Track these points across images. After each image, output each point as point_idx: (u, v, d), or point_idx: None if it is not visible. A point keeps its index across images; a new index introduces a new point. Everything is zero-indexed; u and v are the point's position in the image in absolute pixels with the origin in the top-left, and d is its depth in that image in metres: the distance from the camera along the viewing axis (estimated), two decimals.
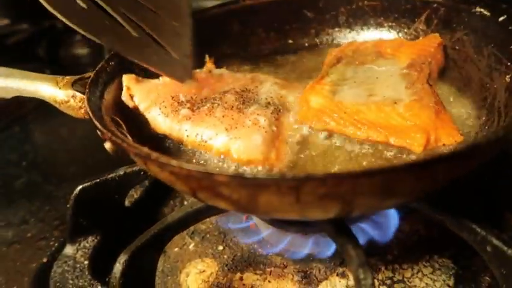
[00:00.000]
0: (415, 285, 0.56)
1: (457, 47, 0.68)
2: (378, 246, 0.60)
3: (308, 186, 0.33)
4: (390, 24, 0.78)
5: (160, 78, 0.70)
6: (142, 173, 0.66)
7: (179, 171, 0.36)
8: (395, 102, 0.55)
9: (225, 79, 0.69)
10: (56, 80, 0.63)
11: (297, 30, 0.85)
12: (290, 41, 0.85)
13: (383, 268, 0.59)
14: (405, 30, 0.76)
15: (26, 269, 0.64)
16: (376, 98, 0.57)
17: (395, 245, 0.61)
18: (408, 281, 0.57)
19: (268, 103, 0.61)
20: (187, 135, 0.58)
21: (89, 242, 0.65)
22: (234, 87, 0.65)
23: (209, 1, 0.89)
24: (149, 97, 0.62)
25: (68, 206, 0.63)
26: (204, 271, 0.63)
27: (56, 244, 0.68)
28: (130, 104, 0.61)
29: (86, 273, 0.61)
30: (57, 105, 0.62)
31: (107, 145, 0.47)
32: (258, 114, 0.58)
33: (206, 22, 0.81)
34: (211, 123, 0.57)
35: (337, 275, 0.59)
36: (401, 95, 0.56)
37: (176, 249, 0.67)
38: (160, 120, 0.59)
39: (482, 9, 0.64)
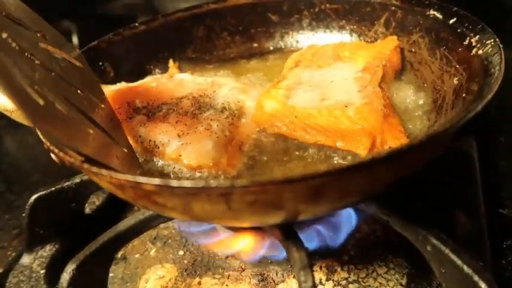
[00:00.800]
0: (369, 285, 0.57)
1: (413, 49, 0.69)
2: (335, 248, 0.61)
3: (235, 194, 0.33)
4: (351, 27, 0.79)
5: (117, 84, 0.70)
6: None
7: (111, 180, 0.36)
8: (346, 106, 0.55)
9: (185, 84, 0.69)
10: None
11: (262, 34, 0.86)
12: (255, 45, 0.86)
13: (338, 269, 0.59)
14: (366, 33, 0.77)
15: None
16: (328, 102, 0.58)
17: (351, 246, 0.62)
18: (362, 281, 0.58)
19: (224, 108, 0.62)
20: (141, 142, 0.58)
21: (47, 251, 0.64)
22: (192, 92, 0.65)
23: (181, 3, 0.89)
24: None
25: (23, 215, 0.63)
26: (163, 277, 0.63)
27: (14, 254, 0.67)
28: None
29: (42, 282, 0.60)
30: (8, 114, 0.61)
31: (53, 156, 0.47)
32: (211, 120, 0.58)
33: (170, 26, 0.82)
34: (164, 129, 0.57)
35: (293, 276, 0.59)
36: (353, 98, 0.57)
37: (137, 255, 0.67)
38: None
39: (435, 12, 0.65)
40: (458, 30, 0.60)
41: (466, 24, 0.58)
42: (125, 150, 0.52)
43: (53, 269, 0.63)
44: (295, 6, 0.82)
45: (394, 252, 0.60)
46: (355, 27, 0.78)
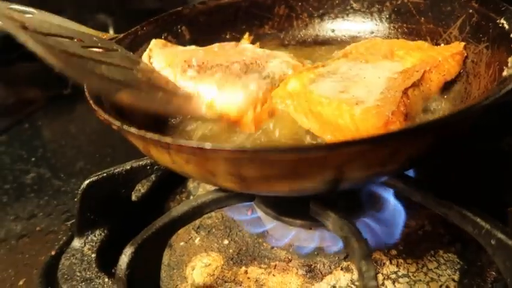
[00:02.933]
0: (420, 280, 0.56)
1: (475, 60, 0.62)
2: (383, 241, 0.61)
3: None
4: (428, 26, 0.73)
5: (187, 46, 0.76)
6: (148, 167, 0.67)
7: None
8: (357, 103, 0.53)
9: (243, 52, 0.71)
10: (96, 34, 0.68)
11: (341, 20, 0.84)
12: (331, 30, 0.84)
13: (387, 263, 0.59)
14: (441, 34, 0.71)
15: (34, 262, 0.65)
16: (344, 96, 0.55)
17: (400, 240, 0.61)
18: (413, 275, 0.57)
19: (268, 76, 0.63)
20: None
21: (97, 235, 0.65)
22: (246, 59, 0.67)
23: None
24: (166, 60, 0.67)
25: (75, 200, 0.64)
26: (209, 265, 0.63)
27: (64, 237, 0.69)
28: (147, 61, 0.68)
29: (94, 265, 0.61)
30: None
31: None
32: (251, 81, 0.61)
33: (253, 1, 0.85)
34: (208, 82, 0.62)
35: (341, 269, 0.59)
36: (370, 98, 0.54)
37: (182, 243, 0.68)
38: (169, 76, 0.64)
39: (504, 22, 0.58)
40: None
41: None
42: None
43: (103, 253, 0.64)
44: None
45: (444, 247, 0.59)
46: (431, 26, 0.72)
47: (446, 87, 0.61)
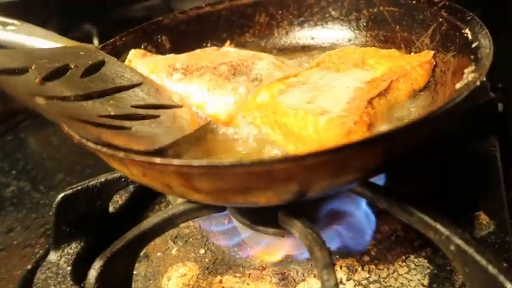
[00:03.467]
0: (390, 285, 0.57)
1: (444, 69, 0.63)
2: (355, 248, 0.61)
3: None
4: (403, 34, 0.73)
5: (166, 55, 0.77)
6: (123, 179, 0.67)
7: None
8: (322, 114, 0.53)
9: (228, 54, 0.72)
10: (75, 45, 0.70)
11: (320, 28, 0.85)
12: (312, 37, 0.86)
13: (359, 269, 0.59)
14: (415, 42, 0.71)
15: (11, 276, 0.66)
16: (311, 106, 0.55)
17: (372, 246, 0.62)
18: (383, 281, 0.58)
19: (256, 78, 0.65)
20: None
21: (73, 248, 0.66)
22: (232, 61, 0.69)
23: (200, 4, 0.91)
24: (148, 67, 0.69)
25: (50, 213, 0.65)
26: (185, 275, 0.64)
27: (41, 251, 0.69)
28: None
29: (68, 279, 0.62)
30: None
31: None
32: (240, 84, 0.62)
33: (234, 10, 0.87)
34: (198, 84, 0.64)
35: (314, 276, 0.59)
36: (335, 108, 0.54)
37: (159, 253, 0.68)
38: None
39: (468, 32, 0.58)
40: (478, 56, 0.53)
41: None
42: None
43: (79, 266, 0.64)
44: (356, 3, 0.80)
45: (415, 252, 0.60)
46: (406, 34, 0.72)
47: (415, 95, 0.62)
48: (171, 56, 0.73)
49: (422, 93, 0.62)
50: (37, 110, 0.43)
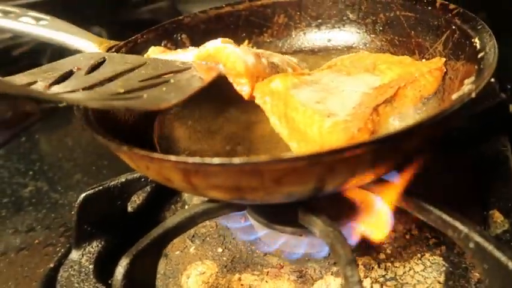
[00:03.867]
0: (407, 282, 0.58)
1: (452, 77, 0.63)
2: (371, 245, 0.63)
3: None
4: (417, 40, 0.73)
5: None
6: (143, 179, 0.69)
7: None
8: (328, 116, 0.54)
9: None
10: (100, 41, 0.74)
11: (337, 30, 0.86)
12: (329, 39, 0.86)
13: (375, 267, 0.61)
14: (428, 49, 0.71)
15: (34, 274, 0.67)
16: (319, 107, 0.56)
17: (387, 245, 0.63)
18: (400, 278, 0.59)
19: (273, 63, 0.67)
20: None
21: (94, 247, 0.67)
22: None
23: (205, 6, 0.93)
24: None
25: (73, 213, 0.66)
26: (204, 273, 0.65)
27: (62, 250, 0.71)
28: None
29: (91, 276, 0.63)
30: None
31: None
32: (261, 58, 0.65)
33: (253, 10, 0.88)
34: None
35: (331, 273, 0.61)
36: (342, 112, 0.55)
37: (177, 252, 0.70)
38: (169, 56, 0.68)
39: (477, 41, 0.58)
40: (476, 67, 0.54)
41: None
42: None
43: (100, 264, 0.66)
44: (373, 7, 0.80)
45: (430, 250, 0.61)
46: (420, 40, 0.72)
47: (424, 102, 0.62)
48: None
49: (430, 100, 0.62)
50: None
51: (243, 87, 0.62)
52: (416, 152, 0.46)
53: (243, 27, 0.88)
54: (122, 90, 0.51)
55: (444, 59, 0.64)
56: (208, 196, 0.51)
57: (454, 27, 0.64)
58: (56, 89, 0.51)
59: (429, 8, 0.69)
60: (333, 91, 0.60)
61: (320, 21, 0.86)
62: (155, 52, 0.76)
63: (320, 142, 0.51)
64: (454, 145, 0.72)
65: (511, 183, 0.64)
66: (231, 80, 0.63)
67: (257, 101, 0.60)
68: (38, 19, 0.81)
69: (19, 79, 0.52)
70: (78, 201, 0.65)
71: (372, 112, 0.53)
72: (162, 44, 0.82)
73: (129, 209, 0.75)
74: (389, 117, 0.56)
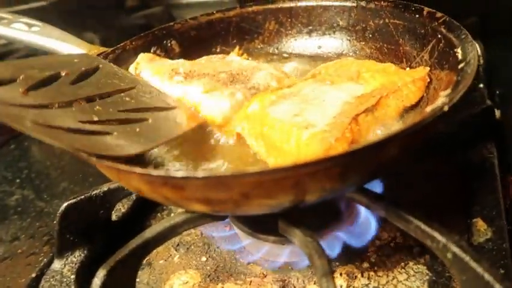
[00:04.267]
0: None
1: (436, 87, 0.61)
2: (355, 254, 0.62)
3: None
4: (405, 48, 0.72)
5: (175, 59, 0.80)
6: (125, 189, 0.68)
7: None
8: (306, 128, 0.52)
9: (230, 63, 0.74)
10: (89, 48, 0.75)
11: (328, 37, 0.85)
12: (319, 46, 0.86)
13: (359, 275, 0.60)
14: (415, 57, 0.70)
15: (15, 285, 0.67)
16: (297, 119, 0.55)
17: (371, 253, 0.63)
18: (383, 287, 0.58)
19: (253, 87, 0.66)
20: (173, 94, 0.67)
21: (76, 256, 0.67)
22: (232, 69, 0.70)
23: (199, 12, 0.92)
24: (152, 70, 0.71)
25: (55, 222, 0.66)
26: (187, 282, 0.65)
27: (45, 259, 0.70)
28: (132, 72, 0.73)
29: (73, 287, 0.63)
30: None
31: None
32: (238, 90, 0.64)
33: (244, 17, 0.89)
34: (196, 85, 0.66)
35: (314, 283, 0.60)
36: (321, 122, 0.54)
37: (161, 261, 0.69)
38: (153, 82, 0.69)
39: (460, 51, 0.57)
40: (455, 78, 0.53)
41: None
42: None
43: (82, 274, 0.65)
44: (363, 14, 0.80)
45: (414, 259, 0.61)
46: (408, 48, 0.71)
47: (407, 111, 0.61)
48: (177, 62, 0.76)
49: (413, 110, 0.61)
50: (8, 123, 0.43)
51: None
52: (392, 162, 0.45)
53: (234, 33, 0.88)
54: (95, 118, 0.49)
55: (428, 69, 0.63)
56: (182, 207, 0.50)
57: (439, 36, 0.63)
58: (31, 96, 0.49)
59: (417, 16, 0.68)
60: (314, 102, 0.59)
61: (310, 28, 0.86)
62: (144, 59, 0.76)
63: (297, 155, 0.50)
64: (439, 151, 0.72)
65: (496, 191, 0.63)
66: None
67: (237, 130, 0.60)
68: (30, 25, 0.82)
69: (6, 67, 0.50)
70: (60, 210, 0.65)
71: (352, 121, 0.52)
72: (152, 51, 0.82)
73: (113, 217, 0.74)
74: (370, 127, 0.56)
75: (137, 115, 0.55)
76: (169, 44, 0.84)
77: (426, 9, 0.67)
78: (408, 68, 0.69)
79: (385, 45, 0.76)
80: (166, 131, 0.55)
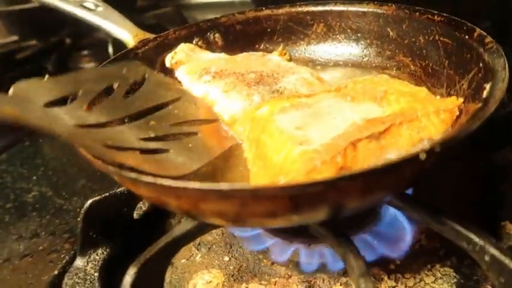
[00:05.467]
0: None
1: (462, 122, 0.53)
2: (381, 256, 0.62)
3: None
4: (448, 71, 0.66)
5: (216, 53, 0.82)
6: None
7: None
8: (301, 144, 0.50)
9: (266, 63, 0.73)
10: (135, 33, 0.79)
11: (375, 47, 0.81)
12: (366, 55, 0.83)
13: (385, 278, 0.60)
14: (456, 83, 0.63)
15: (38, 282, 0.66)
16: (297, 133, 0.53)
17: (398, 255, 0.62)
18: None
19: (277, 90, 0.65)
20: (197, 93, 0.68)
21: (99, 254, 0.66)
22: (265, 70, 0.70)
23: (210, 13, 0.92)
24: (186, 68, 0.72)
25: (78, 219, 0.65)
26: (210, 282, 0.64)
27: (67, 257, 0.70)
28: (168, 64, 0.75)
29: (96, 284, 0.62)
30: None
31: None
32: (258, 92, 0.63)
33: (293, 16, 0.87)
34: (217, 85, 0.66)
35: (340, 284, 0.60)
36: (319, 140, 0.51)
37: (183, 260, 0.69)
38: (184, 82, 0.72)
39: (487, 86, 0.51)
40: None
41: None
42: None
43: (106, 272, 0.65)
44: (415, 27, 0.73)
45: (441, 262, 0.61)
46: (451, 72, 0.64)
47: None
48: (214, 57, 0.76)
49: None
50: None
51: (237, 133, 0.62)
52: (360, 198, 0.42)
53: (280, 32, 0.87)
54: (153, 135, 0.51)
55: (460, 101, 0.55)
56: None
57: (481, 64, 0.56)
58: (93, 112, 0.50)
59: (467, 36, 0.61)
60: (324, 117, 0.55)
61: (359, 35, 0.83)
62: (183, 49, 0.76)
63: (280, 170, 0.48)
64: (464, 155, 0.72)
65: None
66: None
67: (239, 128, 0.59)
68: (96, 5, 0.86)
69: (64, 81, 0.51)
70: (84, 207, 0.64)
71: (349, 146, 0.48)
72: (194, 42, 0.82)
73: (135, 216, 0.74)
74: (372, 155, 0.50)
75: (188, 129, 0.57)
76: (212, 37, 0.84)
77: (478, 30, 0.60)
78: (447, 95, 0.63)
79: (431, 64, 0.70)
80: (215, 145, 0.57)
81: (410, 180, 0.45)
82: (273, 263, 0.65)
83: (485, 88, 0.50)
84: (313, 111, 0.57)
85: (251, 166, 0.53)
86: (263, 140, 0.54)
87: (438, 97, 0.60)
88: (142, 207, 0.76)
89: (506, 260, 0.42)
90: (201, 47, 0.82)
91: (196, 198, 0.39)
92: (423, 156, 0.37)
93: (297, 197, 0.38)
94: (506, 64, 0.51)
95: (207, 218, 0.45)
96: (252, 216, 0.41)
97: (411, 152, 0.38)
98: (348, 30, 0.84)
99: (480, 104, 0.49)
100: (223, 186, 0.36)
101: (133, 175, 0.40)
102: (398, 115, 0.54)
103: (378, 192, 0.43)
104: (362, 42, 0.83)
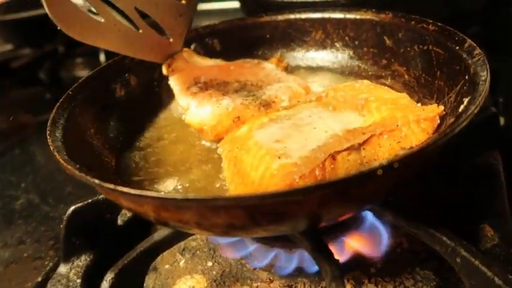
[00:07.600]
0: None
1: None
2: (362, 260, 0.62)
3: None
4: (439, 83, 0.64)
5: (213, 59, 0.82)
6: None
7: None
8: (279, 157, 0.49)
9: (258, 72, 0.74)
10: None
11: (372, 55, 0.80)
12: (360, 62, 0.82)
13: (366, 281, 0.60)
14: (446, 93, 0.61)
15: None
16: (276, 146, 0.52)
17: (378, 259, 0.63)
18: None
19: (256, 96, 0.66)
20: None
21: (82, 260, 0.66)
22: (252, 79, 0.71)
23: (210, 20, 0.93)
24: (177, 79, 0.74)
25: (61, 226, 0.66)
26: (193, 287, 0.64)
27: (51, 263, 0.70)
28: (164, 72, 0.75)
29: None
30: None
31: None
32: (228, 97, 0.65)
33: (292, 23, 0.87)
34: (198, 97, 0.68)
35: None
36: (298, 153, 0.49)
37: (167, 266, 0.69)
38: (174, 92, 0.73)
39: (465, 99, 0.50)
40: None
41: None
42: None
43: (88, 278, 0.65)
44: (411, 36, 0.72)
45: (421, 265, 0.61)
46: (442, 83, 0.63)
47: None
48: (207, 66, 0.76)
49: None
50: None
51: (205, 138, 0.66)
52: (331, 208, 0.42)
53: (279, 39, 0.87)
54: None
55: (441, 108, 0.55)
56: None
57: (467, 77, 0.55)
58: None
59: (457, 47, 0.59)
60: (304, 128, 0.54)
61: (356, 43, 0.82)
62: (180, 57, 0.75)
63: (258, 185, 0.47)
64: (444, 158, 0.72)
65: (502, 197, 0.63)
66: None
67: (218, 152, 0.60)
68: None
69: None
70: (66, 214, 0.65)
71: (328, 158, 0.47)
72: (191, 47, 0.82)
73: (119, 221, 0.74)
74: (352, 167, 0.49)
75: None
76: (210, 42, 0.85)
77: (468, 41, 0.58)
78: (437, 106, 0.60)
79: (423, 74, 0.69)
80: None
81: (380, 192, 0.44)
82: (255, 268, 0.65)
83: (463, 102, 0.50)
84: (293, 122, 0.57)
85: (229, 184, 0.53)
86: (241, 156, 0.53)
87: (419, 104, 0.60)
88: (126, 213, 0.76)
89: (476, 262, 0.43)
90: (199, 52, 0.82)
91: (155, 206, 0.40)
92: (380, 172, 0.36)
93: (251, 208, 0.38)
94: (488, 77, 0.50)
95: (178, 227, 0.45)
96: (214, 227, 0.41)
97: (369, 167, 0.37)
98: (346, 38, 0.84)
99: (452, 119, 0.48)
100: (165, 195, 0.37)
101: (108, 186, 0.41)
102: (378, 125, 0.53)
103: (338, 206, 0.42)
104: (359, 50, 0.82)
